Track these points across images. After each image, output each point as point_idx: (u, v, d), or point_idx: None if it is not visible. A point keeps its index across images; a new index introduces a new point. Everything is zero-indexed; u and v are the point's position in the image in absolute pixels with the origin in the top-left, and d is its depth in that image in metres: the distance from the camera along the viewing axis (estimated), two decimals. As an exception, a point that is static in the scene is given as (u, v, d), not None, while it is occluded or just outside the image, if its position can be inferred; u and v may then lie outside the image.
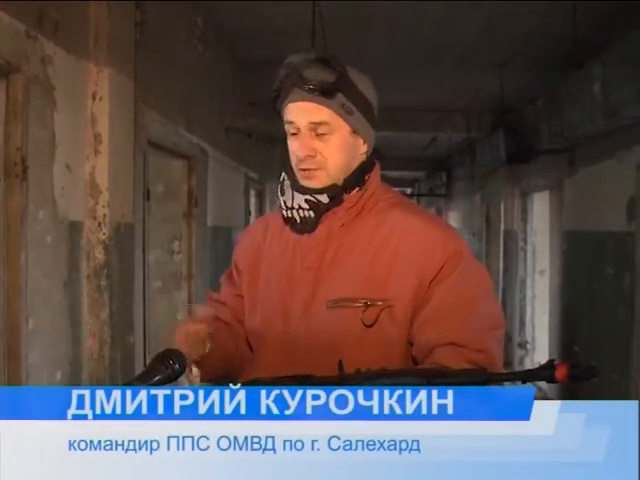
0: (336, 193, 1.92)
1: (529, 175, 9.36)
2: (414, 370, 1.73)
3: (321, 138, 1.88)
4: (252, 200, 8.96)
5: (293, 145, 1.93)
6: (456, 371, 1.68)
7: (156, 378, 1.56)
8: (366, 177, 1.97)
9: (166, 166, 5.30)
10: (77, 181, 3.36)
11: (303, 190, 1.92)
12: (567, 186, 8.01)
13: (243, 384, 1.71)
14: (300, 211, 1.94)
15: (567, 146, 7.41)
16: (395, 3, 5.54)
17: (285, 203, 1.97)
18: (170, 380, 1.59)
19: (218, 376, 2.05)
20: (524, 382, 1.60)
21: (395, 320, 1.85)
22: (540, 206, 9.79)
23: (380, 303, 1.85)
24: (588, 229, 7.39)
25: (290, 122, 1.91)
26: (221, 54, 6.46)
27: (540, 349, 9.70)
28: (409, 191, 21.75)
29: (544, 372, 1.58)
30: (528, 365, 9.68)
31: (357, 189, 1.95)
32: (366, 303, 1.85)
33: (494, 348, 1.83)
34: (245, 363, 2.11)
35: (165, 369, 1.58)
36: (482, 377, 1.66)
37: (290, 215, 1.96)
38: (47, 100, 3.03)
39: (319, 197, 1.91)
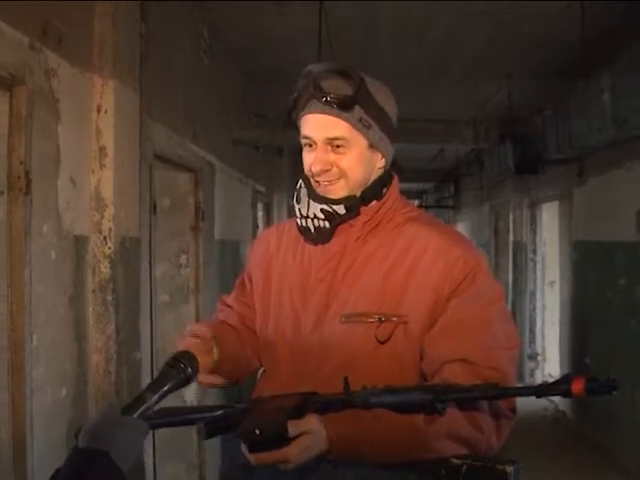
0: (353, 205, 1.89)
1: (538, 185, 9.32)
2: (420, 387, 1.68)
3: (337, 151, 1.85)
4: (259, 213, 8.93)
5: (309, 158, 1.89)
6: (467, 387, 1.63)
7: (168, 386, 1.51)
8: (384, 191, 1.95)
9: (173, 179, 5.27)
10: (82, 195, 3.33)
11: (320, 199, 1.89)
12: (576, 196, 7.97)
13: (248, 402, 1.67)
14: (315, 220, 1.90)
15: (576, 156, 7.37)
16: (401, 14, 5.52)
17: (300, 211, 1.94)
18: (184, 384, 1.54)
19: (232, 381, 2.03)
20: (539, 397, 1.56)
21: (409, 336, 1.81)
22: (549, 217, 9.74)
23: (395, 319, 1.81)
24: (598, 239, 7.34)
25: (306, 137, 1.87)
26: (227, 66, 6.45)
27: (551, 361, 9.64)
28: (417, 203, 21.74)
29: (560, 386, 1.53)
30: (539, 377, 9.61)
31: (374, 202, 1.92)
32: (380, 319, 1.81)
33: (507, 367, 1.78)
34: (251, 369, 2.10)
35: (177, 374, 1.53)
36: (495, 392, 1.61)
37: (305, 224, 1.93)
38: (51, 113, 3.00)
39: (336, 207, 1.88)
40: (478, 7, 5.28)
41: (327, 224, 1.89)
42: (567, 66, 6.31)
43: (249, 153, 7.36)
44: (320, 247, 1.94)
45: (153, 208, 4.32)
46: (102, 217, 3.41)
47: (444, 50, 6.60)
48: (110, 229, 3.42)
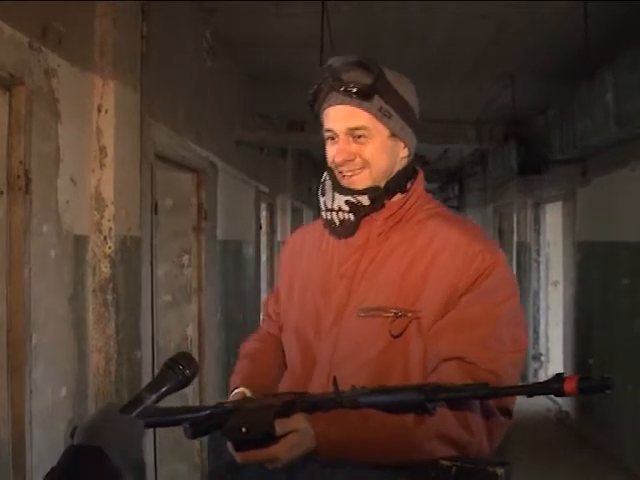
0: (377, 196, 1.89)
1: (541, 186, 9.31)
2: (411, 386, 1.66)
3: (359, 141, 1.86)
4: (263, 213, 8.92)
5: (332, 150, 1.90)
6: (457, 386, 1.61)
7: (166, 387, 1.51)
8: (408, 185, 1.94)
9: (175, 179, 5.27)
10: (82, 195, 3.33)
11: (344, 191, 1.90)
12: (580, 196, 7.95)
13: (235, 402, 1.67)
14: (340, 213, 1.91)
15: (579, 156, 7.36)
16: (404, 15, 5.51)
17: (325, 204, 1.94)
18: (182, 386, 1.54)
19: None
20: (531, 396, 1.54)
21: (422, 332, 1.80)
22: (553, 217, 9.72)
23: (410, 314, 1.80)
24: (602, 240, 7.33)
25: (328, 130, 1.90)
26: (230, 66, 6.45)
27: (554, 361, 9.62)
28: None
29: (552, 385, 1.52)
30: (542, 378, 9.58)
31: (399, 195, 1.92)
32: (396, 313, 1.80)
33: (508, 371, 1.74)
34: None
35: (175, 375, 1.53)
36: (486, 391, 1.59)
37: (330, 217, 1.93)
38: (51, 113, 3.00)
39: (360, 198, 1.88)
40: (481, 8, 5.28)
41: (352, 216, 1.90)
42: (570, 66, 6.29)
43: (253, 154, 7.36)
44: (343, 241, 1.94)
45: (155, 208, 4.32)
46: (102, 217, 3.42)
47: (447, 51, 6.59)
48: (110, 229, 3.43)
